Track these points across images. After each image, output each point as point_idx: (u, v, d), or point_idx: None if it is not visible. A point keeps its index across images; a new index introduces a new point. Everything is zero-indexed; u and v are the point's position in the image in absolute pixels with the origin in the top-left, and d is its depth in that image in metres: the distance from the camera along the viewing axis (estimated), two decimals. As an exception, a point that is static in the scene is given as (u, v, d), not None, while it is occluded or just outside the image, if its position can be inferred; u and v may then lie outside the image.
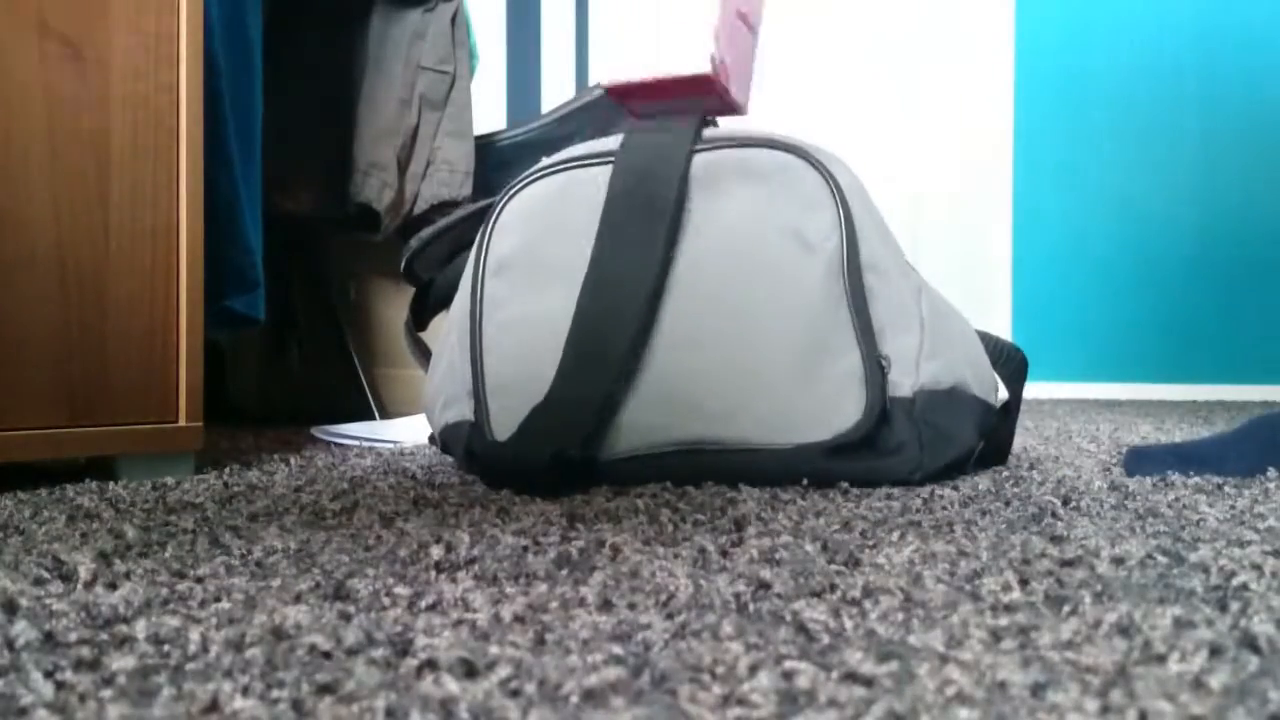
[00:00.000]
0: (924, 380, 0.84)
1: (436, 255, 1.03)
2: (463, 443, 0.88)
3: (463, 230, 1.01)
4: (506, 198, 0.91)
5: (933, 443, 0.83)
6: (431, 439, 0.98)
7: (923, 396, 0.83)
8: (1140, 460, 0.92)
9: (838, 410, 0.82)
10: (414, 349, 1.05)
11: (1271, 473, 0.86)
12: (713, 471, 0.82)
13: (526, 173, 0.91)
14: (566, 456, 0.79)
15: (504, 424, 0.85)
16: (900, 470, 0.81)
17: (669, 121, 0.90)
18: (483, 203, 0.98)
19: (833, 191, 0.85)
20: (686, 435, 0.83)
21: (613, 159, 0.89)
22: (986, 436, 0.92)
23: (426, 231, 1.01)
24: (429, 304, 1.06)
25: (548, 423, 0.81)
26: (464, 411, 0.89)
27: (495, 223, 0.90)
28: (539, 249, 0.88)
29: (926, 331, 0.85)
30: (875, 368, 0.82)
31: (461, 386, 0.89)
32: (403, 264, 1.04)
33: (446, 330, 0.95)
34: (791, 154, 0.86)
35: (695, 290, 0.84)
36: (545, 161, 0.91)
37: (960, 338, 0.89)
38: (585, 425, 0.80)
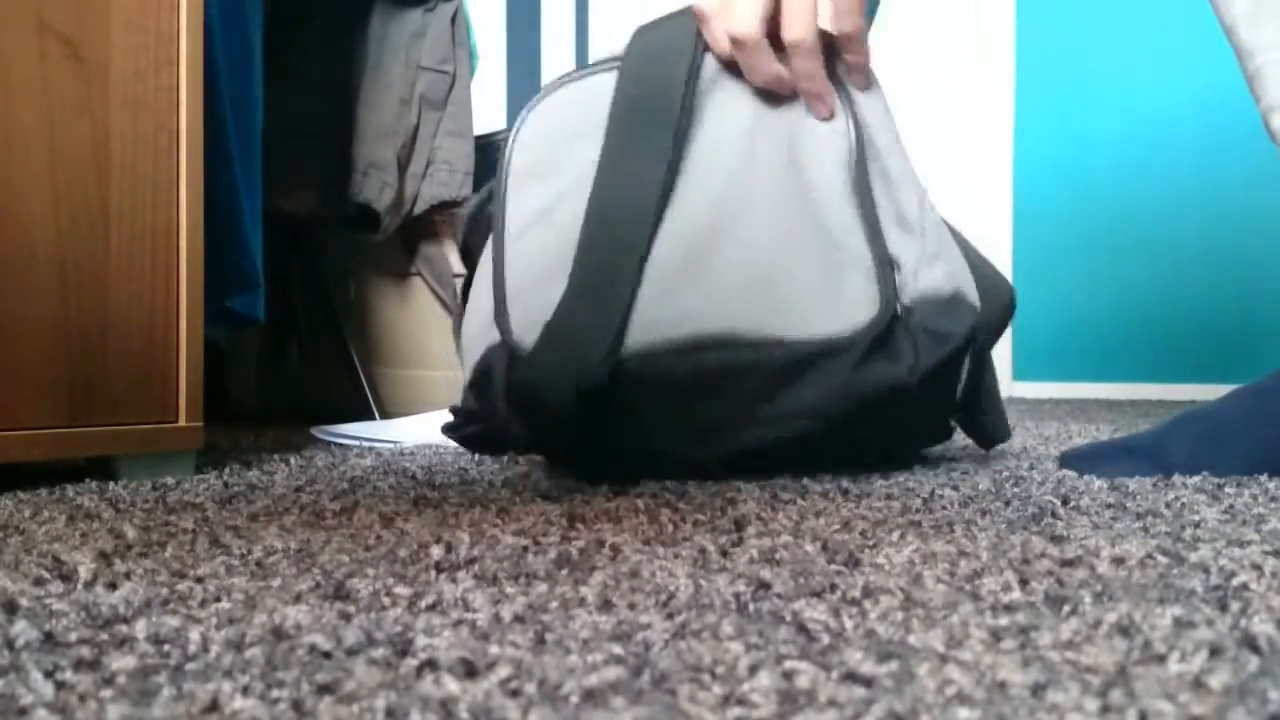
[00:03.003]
0: (924, 287, 0.84)
1: (485, 231, 1.03)
2: (498, 371, 0.86)
3: None
4: (525, 114, 0.92)
5: (928, 346, 0.83)
6: (447, 427, 0.98)
7: (920, 305, 0.84)
8: (1081, 461, 0.91)
9: (852, 304, 0.83)
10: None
11: (1269, 475, 0.86)
12: (728, 369, 0.82)
13: (544, 87, 0.93)
14: (589, 386, 0.78)
15: (525, 324, 0.85)
16: (898, 373, 0.82)
17: (675, 18, 0.90)
18: None
19: (843, 94, 0.87)
20: (701, 329, 0.82)
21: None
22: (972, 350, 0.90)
23: (472, 202, 1.01)
24: None
25: (565, 338, 0.81)
26: (492, 336, 0.88)
27: (515, 139, 0.92)
28: (554, 157, 0.89)
29: (928, 239, 0.86)
30: (886, 265, 0.84)
31: (490, 312, 0.88)
32: (460, 242, 1.04)
33: (478, 275, 0.94)
34: None
35: (704, 182, 0.85)
36: (561, 75, 0.93)
37: (958, 248, 0.90)
38: (604, 341, 0.80)
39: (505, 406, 0.85)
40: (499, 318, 0.86)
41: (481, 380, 0.90)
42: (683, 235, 0.84)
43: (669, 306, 0.83)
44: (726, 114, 0.87)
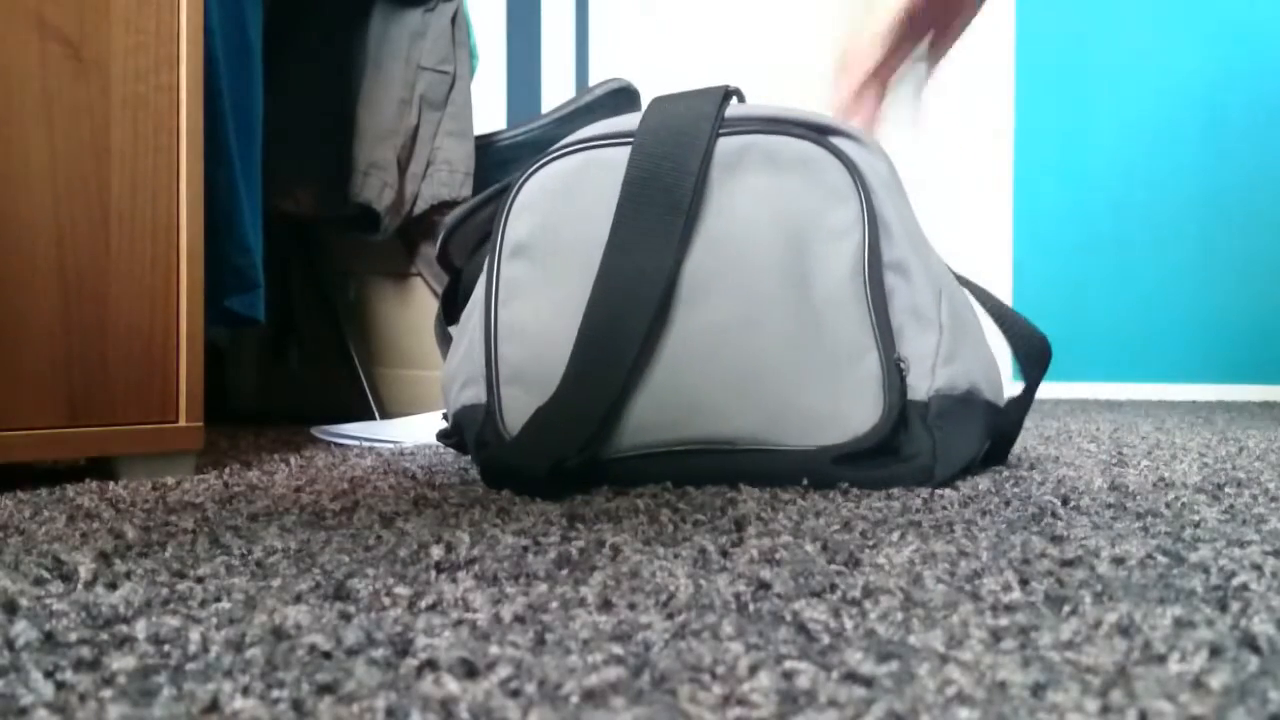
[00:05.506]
0: (940, 384, 0.83)
1: (466, 240, 1.01)
2: (476, 427, 0.87)
3: (493, 210, 0.99)
4: (525, 177, 0.89)
5: (945, 452, 0.82)
6: (442, 434, 0.98)
7: (938, 401, 0.82)
8: None
9: (855, 413, 0.81)
10: (443, 344, 1.04)
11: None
12: (722, 472, 0.82)
13: (546, 152, 0.89)
14: (565, 467, 0.78)
15: (515, 412, 0.85)
16: (911, 480, 0.81)
17: (692, 100, 0.88)
18: (509, 180, 0.96)
19: (856, 186, 0.84)
20: (697, 434, 0.82)
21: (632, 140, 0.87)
22: (993, 436, 0.92)
23: (458, 210, 1.00)
24: (460, 294, 1.05)
25: (551, 427, 0.80)
26: (480, 395, 0.88)
27: (513, 204, 0.88)
28: (556, 233, 0.87)
29: (945, 334, 0.84)
30: (894, 370, 0.81)
31: (479, 369, 0.88)
32: (437, 249, 1.03)
33: (468, 311, 0.93)
34: (816, 145, 0.85)
35: (711, 284, 0.83)
36: (564, 141, 0.90)
37: (977, 338, 0.89)
38: (588, 432, 0.80)
39: (475, 458, 0.87)
40: (490, 399, 0.86)
41: (455, 430, 0.93)
42: (687, 337, 0.82)
43: (667, 410, 0.82)
44: (735, 200, 0.84)
